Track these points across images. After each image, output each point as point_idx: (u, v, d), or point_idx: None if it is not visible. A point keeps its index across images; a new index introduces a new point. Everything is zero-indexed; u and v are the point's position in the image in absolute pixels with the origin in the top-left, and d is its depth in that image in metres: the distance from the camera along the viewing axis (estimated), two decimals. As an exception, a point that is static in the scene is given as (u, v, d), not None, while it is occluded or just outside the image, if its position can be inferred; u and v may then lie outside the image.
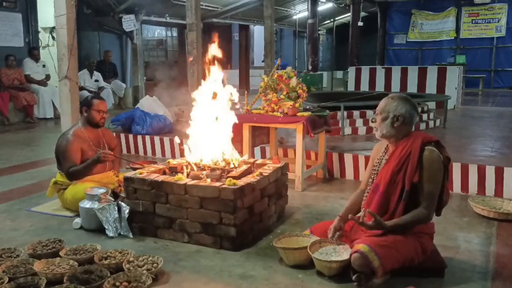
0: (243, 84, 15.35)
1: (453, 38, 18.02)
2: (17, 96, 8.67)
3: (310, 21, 13.43)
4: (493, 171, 4.21)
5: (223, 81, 3.59)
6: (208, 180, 3.16)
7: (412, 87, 10.38)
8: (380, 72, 11.12)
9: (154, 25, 13.82)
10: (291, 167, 4.46)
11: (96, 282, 2.48)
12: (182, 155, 3.81)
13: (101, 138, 3.99)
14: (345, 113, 6.61)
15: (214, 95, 3.53)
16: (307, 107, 4.96)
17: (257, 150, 5.21)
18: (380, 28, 18.65)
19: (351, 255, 2.53)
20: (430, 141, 2.66)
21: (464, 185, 4.34)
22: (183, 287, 2.58)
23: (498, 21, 17.16)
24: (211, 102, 3.55)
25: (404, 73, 10.71)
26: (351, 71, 11.62)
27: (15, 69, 8.89)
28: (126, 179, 3.30)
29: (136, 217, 3.27)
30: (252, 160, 3.78)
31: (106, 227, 3.25)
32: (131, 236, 3.23)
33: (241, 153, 4.06)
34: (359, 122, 6.82)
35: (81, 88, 8.83)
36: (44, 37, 10.38)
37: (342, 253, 2.66)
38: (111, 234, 3.23)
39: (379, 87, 10.78)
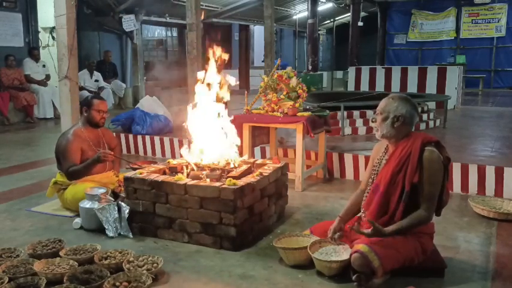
0: (243, 84, 15.35)
1: (453, 38, 18.02)
2: (17, 96, 8.67)
3: (310, 21, 13.43)
4: (493, 171, 4.21)
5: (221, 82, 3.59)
6: (209, 180, 3.16)
7: (412, 87, 10.38)
8: (380, 72, 11.12)
9: (154, 25, 13.83)
10: (291, 167, 4.46)
11: (96, 282, 2.48)
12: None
13: (101, 138, 3.99)
14: (345, 113, 6.61)
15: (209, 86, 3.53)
16: (307, 107, 4.96)
17: (257, 150, 5.21)
18: (380, 28, 18.65)
19: (350, 255, 2.53)
20: (430, 142, 2.66)
21: (464, 185, 4.34)
22: (183, 287, 2.58)
23: (498, 21, 17.16)
24: (208, 100, 3.55)
25: (404, 73, 10.71)
26: (351, 71, 11.62)
27: (15, 69, 8.89)
28: (126, 179, 3.30)
29: (136, 217, 3.27)
30: (252, 160, 3.78)
31: (106, 227, 3.25)
32: (131, 236, 3.23)
33: (241, 153, 4.05)
34: (359, 122, 6.82)
35: (81, 88, 8.83)
36: (44, 37, 10.38)
37: (342, 253, 2.66)
38: (111, 234, 3.23)
39: (379, 87, 10.78)
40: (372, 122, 2.78)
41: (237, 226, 2.99)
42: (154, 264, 2.68)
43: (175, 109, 7.51)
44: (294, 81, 4.48)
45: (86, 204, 3.38)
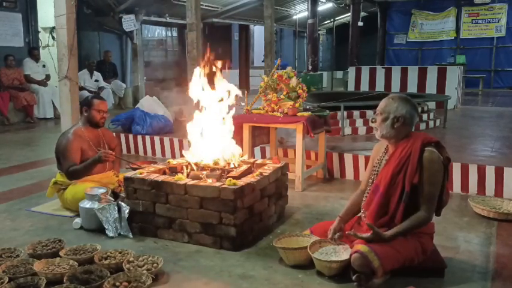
0: (243, 84, 15.35)
1: (453, 38, 18.02)
2: (17, 96, 8.67)
3: (310, 21, 13.44)
4: (493, 171, 4.21)
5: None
6: (209, 180, 3.16)
7: (412, 87, 10.38)
8: (380, 72, 11.12)
9: (154, 25, 13.82)
10: (291, 167, 4.46)
11: (96, 282, 2.48)
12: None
13: (101, 138, 3.99)
14: (345, 113, 6.61)
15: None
16: (307, 107, 4.96)
17: (257, 150, 5.21)
18: (380, 28, 18.65)
19: (350, 255, 2.53)
20: (430, 142, 2.66)
21: (464, 185, 4.34)
22: (183, 287, 2.58)
23: (498, 21, 17.16)
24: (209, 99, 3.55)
25: (404, 73, 10.72)
26: (351, 71, 11.63)
27: (14, 69, 8.89)
28: (126, 179, 3.30)
29: (136, 217, 3.27)
30: (252, 160, 3.78)
31: (106, 227, 3.25)
32: (131, 236, 3.23)
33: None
34: (359, 122, 6.82)
35: (81, 88, 8.83)
36: (44, 37, 10.38)
37: (341, 253, 2.66)
38: (111, 234, 3.23)
39: (379, 87, 10.79)
40: (372, 122, 2.78)
41: (237, 226, 2.99)
42: (154, 264, 2.67)
43: (176, 109, 7.53)
44: (294, 81, 4.48)
45: (86, 204, 3.38)
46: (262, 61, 11.48)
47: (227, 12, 13.63)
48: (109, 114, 4.20)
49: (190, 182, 3.13)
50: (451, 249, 3.04)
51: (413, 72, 10.67)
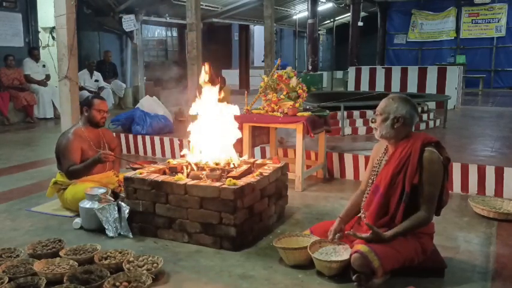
0: (243, 84, 15.35)
1: (453, 38, 18.01)
2: (17, 96, 8.67)
3: (310, 21, 13.44)
4: (493, 171, 4.21)
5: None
6: (209, 180, 3.16)
7: (412, 87, 10.38)
8: (380, 72, 11.12)
9: (154, 25, 13.84)
10: (291, 167, 4.46)
11: (96, 282, 2.48)
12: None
13: (101, 138, 3.99)
14: (345, 113, 6.61)
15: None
16: (307, 107, 4.96)
17: (257, 150, 5.21)
18: (380, 28, 18.65)
19: (350, 255, 2.53)
20: (430, 142, 2.66)
21: (464, 185, 4.34)
22: (183, 287, 2.58)
23: (498, 21, 17.16)
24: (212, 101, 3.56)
25: (404, 73, 10.71)
26: (351, 71, 11.62)
27: (14, 69, 8.89)
28: (126, 179, 3.30)
29: (136, 217, 3.27)
30: (252, 160, 3.78)
31: (106, 227, 3.25)
32: (131, 236, 3.23)
33: (241, 153, 4.06)
34: (359, 122, 6.82)
35: (81, 88, 8.83)
36: (44, 37, 10.38)
37: (342, 253, 2.66)
38: (111, 234, 3.23)
39: (379, 87, 10.78)
40: (372, 122, 2.78)
41: (237, 226, 2.99)
42: (154, 264, 2.67)
43: (176, 109, 7.53)
44: (294, 81, 4.49)
45: (86, 204, 3.38)
46: (262, 61, 11.47)
47: (227, 12, 13.62)
48: (109, 114, 4.20)
49: (190, 182, 3.13)
50: (451, 249, 3.04)
51: (413, 72, 10.66)
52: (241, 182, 3.08)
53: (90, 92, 9.45)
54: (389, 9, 19.00)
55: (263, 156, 5.23)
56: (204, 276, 2.69)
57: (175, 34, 14.91)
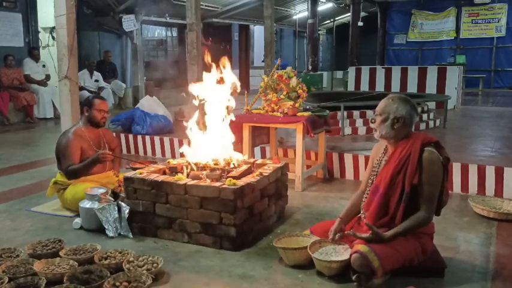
0: (243, 84, 15.32)
1: (453, 38, 18.03)
2: (17, 96, 8.67)
3: (310, 21, 13.44)
4: (493, 171, 4.21)
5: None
6: (209, 180, 3.16)
7: (412, 87, 10.39)
8: (380, 72, 11.12)
9: (154, 25, 13.82)
10: (291, 167, 4.46)
11: (96, 282, 2.48)
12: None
13: (102, 138, 4.00)
14: (345, 113, 6.62)
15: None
16: (307, 107, 4.96)
17: (257, 150, 5.21)
18: (380, 28, 18.66)
19: (350, 255, 2.53)
20: (429, 142, 2.66)
21: (464, 185, 4.34)
22: (183, 287, 2.58)
23: (498, 21, 17.17)
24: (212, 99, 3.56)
25: (404, 73, 10.72)
26: (351, 71, 11.63)
27: (14, 69, 8.89)
28: (126, 179, 3.30)
29: (136, 217, 3.27)
30: (252, 160, 3.78)
31: (106, 227, 3.25)
32: (131, 236, 3.23)
33: (241, 153, 4.05)
34: (359, 122, 6.82)
35: (81, 88, 8.83)
36: (44, 37, 10.38)
37: (342, 253, 2.66)
38: (111, 234, 3.23)
39: (379, 87, 10.79)
40: (371, 122, 2.78)
41: (237, 226, 2.99)
42: (154, 264, 2.67)
43: (176, 109, 7.53)
44: (294, 81, 4.49)
45: (86, 204, 3.38)
46: (262, 61, 11.47)
47: (227, 12, 13.62)
48: (109, 114, 4.20)
49: (190, 182, 3.13)
50: (451, 249, 3.04)
51: (413, 72, 10.67)
52: (241, 182, 3.08)
53: (90, 92, 9.46)
54: (389, 9, 19.01)
55: (263, 156, 5.23)
56: (204, 276, 2.69)
57: (175, 34, 14.89)
